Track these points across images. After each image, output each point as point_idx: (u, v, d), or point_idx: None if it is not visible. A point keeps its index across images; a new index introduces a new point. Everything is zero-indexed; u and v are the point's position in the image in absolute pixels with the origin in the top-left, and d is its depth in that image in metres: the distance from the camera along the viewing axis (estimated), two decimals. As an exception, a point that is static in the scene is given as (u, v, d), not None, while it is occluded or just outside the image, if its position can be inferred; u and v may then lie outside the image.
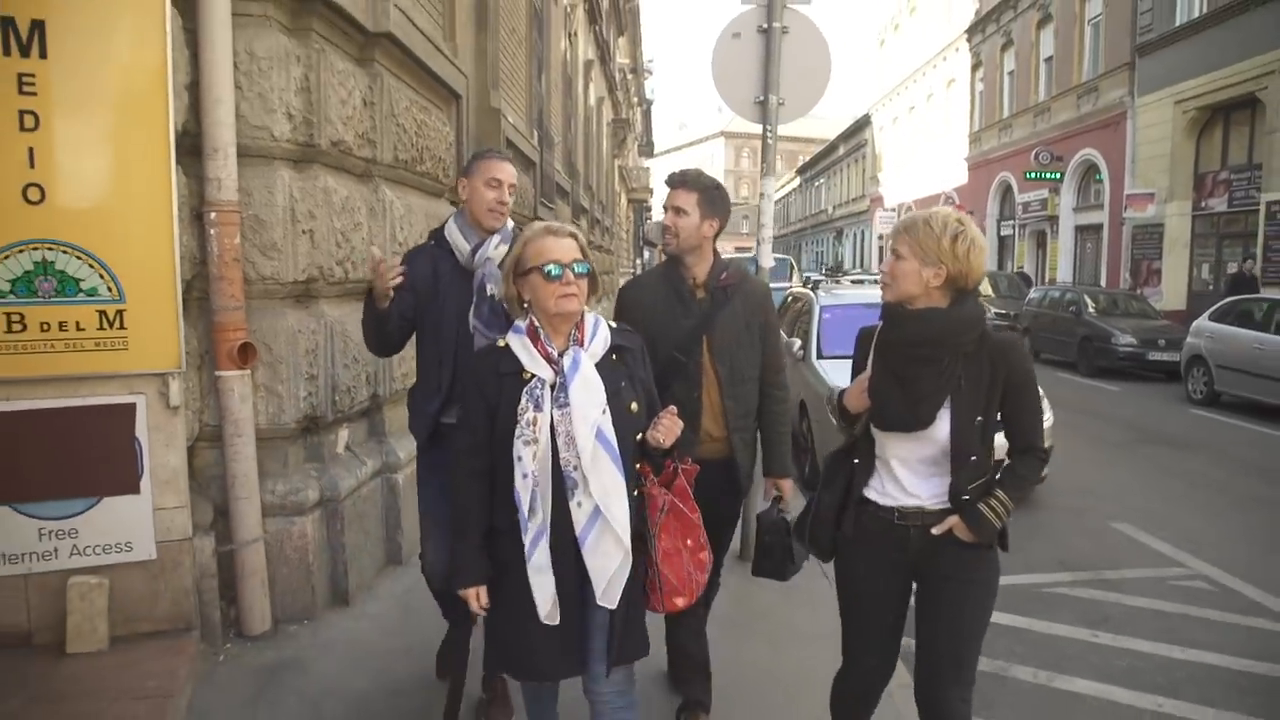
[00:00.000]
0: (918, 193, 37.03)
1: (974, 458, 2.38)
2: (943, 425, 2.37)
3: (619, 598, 2.32)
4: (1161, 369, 14.00)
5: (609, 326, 2.46)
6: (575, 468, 2.27)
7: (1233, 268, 17.91)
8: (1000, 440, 2.46)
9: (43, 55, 3.07)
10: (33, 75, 3.06)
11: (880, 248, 42.43)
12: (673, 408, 2.41)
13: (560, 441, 2.27)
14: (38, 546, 3.27)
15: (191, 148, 3.49)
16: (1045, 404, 7.73)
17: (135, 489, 3.35)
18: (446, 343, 3.09)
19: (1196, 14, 19.02)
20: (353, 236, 4.22)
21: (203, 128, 3.48)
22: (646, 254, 60.45)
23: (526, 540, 2.29)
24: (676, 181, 3.15)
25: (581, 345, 2.36)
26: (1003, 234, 30.09)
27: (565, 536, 2.30)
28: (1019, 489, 2.44)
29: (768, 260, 4.91)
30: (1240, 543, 5.79)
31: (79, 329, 3.21)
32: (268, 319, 3.77)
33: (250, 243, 3.68)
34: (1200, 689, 3.80)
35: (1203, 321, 12.42)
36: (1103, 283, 22.53)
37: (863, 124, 46.79)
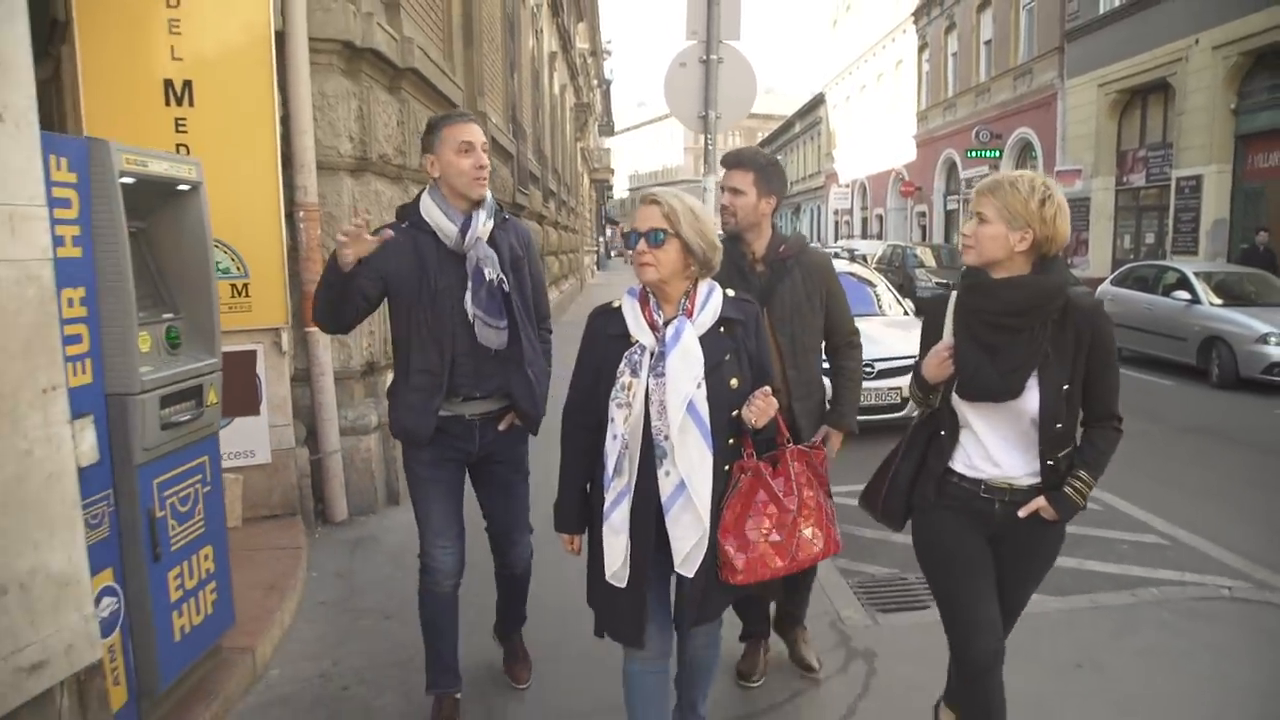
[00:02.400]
0: (870, 169, 38.56)
1: (1059, 425, 2.34)
2: (1031, 395, 2.32)
3: (696, 568, 2.34)
4: (1078, 329, 15.57)
5: (725, 296, 2.42)
6: (666, 437, 2.27)
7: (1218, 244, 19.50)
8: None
9: (191, 104, 4.36)
10: (185, 119, 4.35)
11: (836, 223, 43.99)
12: (767, 388, 2.36)
13: (654, 409, 2.28)
14: (191, 453, 4.59)
15: (284, 164, 4.78)
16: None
17: (257, 411, 4.68)
18: (445, 333, 2.87)
19: (1117, 3, 20.60)
20: (394, 227, 5.53)
21: (292, 150, 4.76)
22: (609, 232, 61.40)
23: (608, 499, 2.32)
24: (732, 162, 3.13)
25: (690, 315, 2.34)
26: (949, 208, 31.67)
27: (651, 502, 2.32)
28: (1100, 465, 2.38)
29: (711, 239, 6.30)
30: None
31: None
32: (339, 289, 5.08)
33: (326, 233, 4.99)
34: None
35: (1105, 286, 14.01)
36: (1038, 252, 24.16)
37: (817, 102, 48.18)
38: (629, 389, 2.28)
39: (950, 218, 31.71)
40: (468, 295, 2.87)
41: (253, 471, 4.70)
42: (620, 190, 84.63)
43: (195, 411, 2.90)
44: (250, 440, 4.68)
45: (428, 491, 3.05)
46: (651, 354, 2.30)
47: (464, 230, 2.86)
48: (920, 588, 4.53)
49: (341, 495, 5.11)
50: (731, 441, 2.39)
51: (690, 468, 2.27)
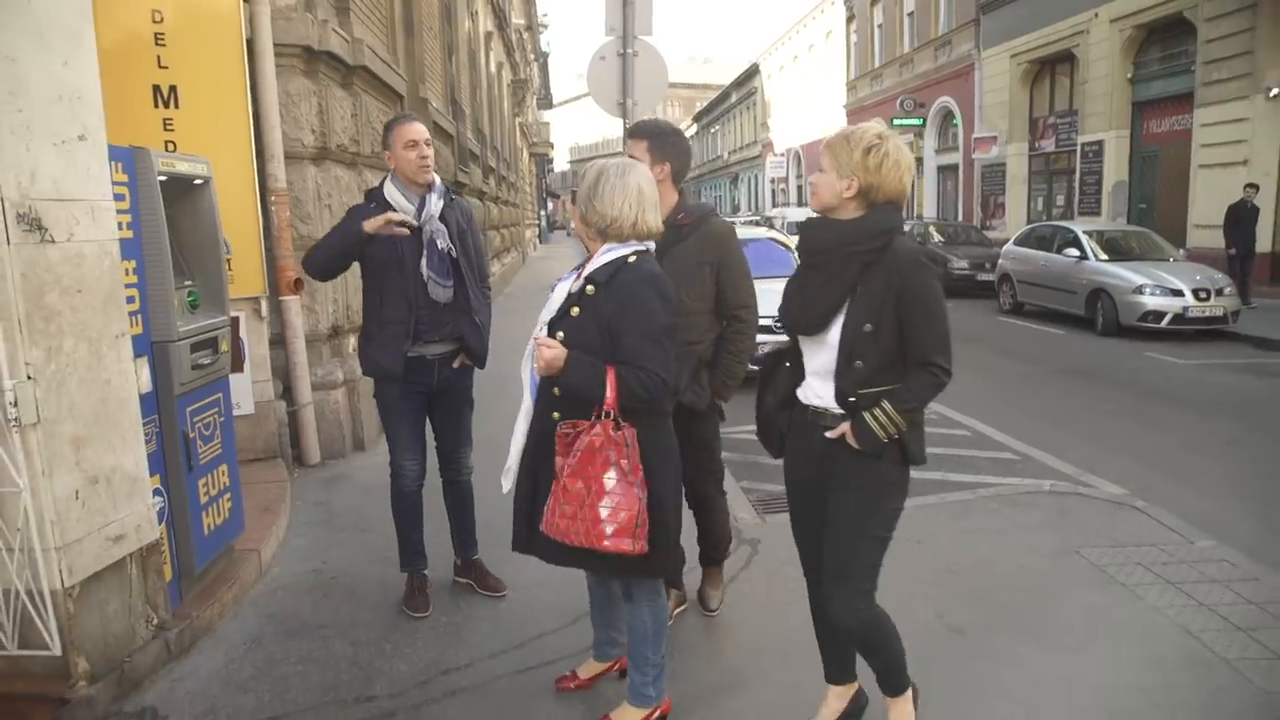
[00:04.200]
0: (804, 138, 39.51)
1: (859, 364, 2.42)
2: (835, 330, 2.46)
3: (508, 488, 2.77)
4: (989, 288, 16.79)
5: (619, 259, 2.59)
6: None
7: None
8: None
9: (176, 106, 5.06)
10: (172, 118, 5.06)
11: (773, 191, 45.07)
12: (547, 338, 2.54)
13: None
14: (186, 406, 5.34)
15: (256, 155, 5.51)
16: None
17: (241, 369, 5.39)
18: (411, 290, 3.54)
19: (1026, -24, 21.76)
20: (352, 207, 6.29)
21: (263, 143, 5.49)
22: (550, 205, 61.58)
23: (519, 414, 2.76)
24: (631, 131, 3.48)
25: (579, 274, 2.66)
26: (878, 175, 32.80)
27: None
28: (907, 402, 2.42)
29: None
30: (974, 397, 8.33)
31: (205, 271, 5.26)
32: (307, 263, 5.84)
33: (295, 214, 5.74)
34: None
35: (1009, 246, 15.19)
36: (960, 216, 25.47)
37: (752, 73, 49.01)
38: (538, 325, 2.69)
39: (880, 184, 32.83)
40: (423, 261, 3.56)
41: (239, 421, 5.40)
42: (561, 164, 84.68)
43: (213, 357, 3.69)
44: (236, 394, 5.37)
45: (398, 418, 3.77)
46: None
47: (420, 210, 3.57)
48: (807, 497, 5.47)
49: (314, 441, 5.90)
50: (557, 393, 2.58)
51: (523, 404, 2.67)
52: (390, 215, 3.44)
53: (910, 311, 2.40)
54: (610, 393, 2.48)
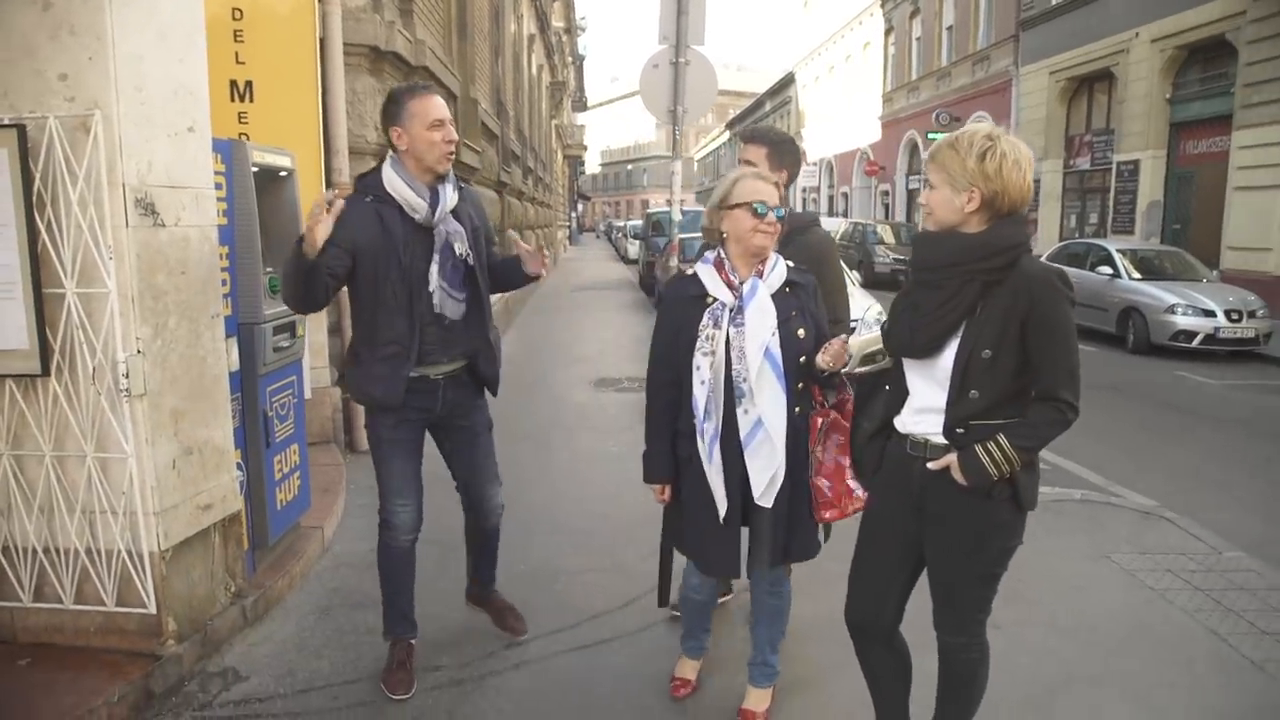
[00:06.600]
0: (837, 148, 39.62)
1: (974, 393, 2.22)
2: (948, 355, 2.25)
3: (774, 499, 2.62)
4: (1020, 303, 16.85)
5: (787, 265, 2.73)
6: (745, 380, 2.57)
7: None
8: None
9: (251, 100, 5.29)
10: (246, 113, 5.28)
11: (804, 200, 45.09)
12: (844, 336, 2.62)
13: (734, 355, 2.58)
14: (248, 388, 5.56)
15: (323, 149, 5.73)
16: (866, 298, 9.79)
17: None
18: (417, 305, 2.88)
19: (1067, -6, 21.79)
20: (409, 203, 6.50)
21: (330, 138, 5.71)
22: (580, 207, 61.95)
23: (704, 442, 2.61)
24: (748, 136, 3.38)
25: (761, 277, 2.66)
26: (910, 188, 32.87)
27: (733, 440, 2.60)
28: (1027, 438, 2.22)
29: (677, 215, 7.36)
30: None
31: (271, 260, 5.48)
32: (366, 255, 6.06)
33: (356, 208, 5.95)
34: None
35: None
36: (992, 231, 25.44)
37: (787, 81, 49.05)
38: (712, 339, 2.60)
39: (912, 196, 32.84)
40: (433, 268, 2.89)
41: (297, 405, 5.68)
42: (593, 166, 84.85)
43: (291, 340, 3.90)
44: (295, 379, 5.65)
45: (389, 452, 3.07)
46: (730, 309, 2.62)
47: (434, 205, 2.87)
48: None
49: (367, 428, 6.11)
50: (800, 386, 2.68)
51: (766, 406, 2.57)
52: (318, 200, 2.68)
53: (1039, 339, 2.18)
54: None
